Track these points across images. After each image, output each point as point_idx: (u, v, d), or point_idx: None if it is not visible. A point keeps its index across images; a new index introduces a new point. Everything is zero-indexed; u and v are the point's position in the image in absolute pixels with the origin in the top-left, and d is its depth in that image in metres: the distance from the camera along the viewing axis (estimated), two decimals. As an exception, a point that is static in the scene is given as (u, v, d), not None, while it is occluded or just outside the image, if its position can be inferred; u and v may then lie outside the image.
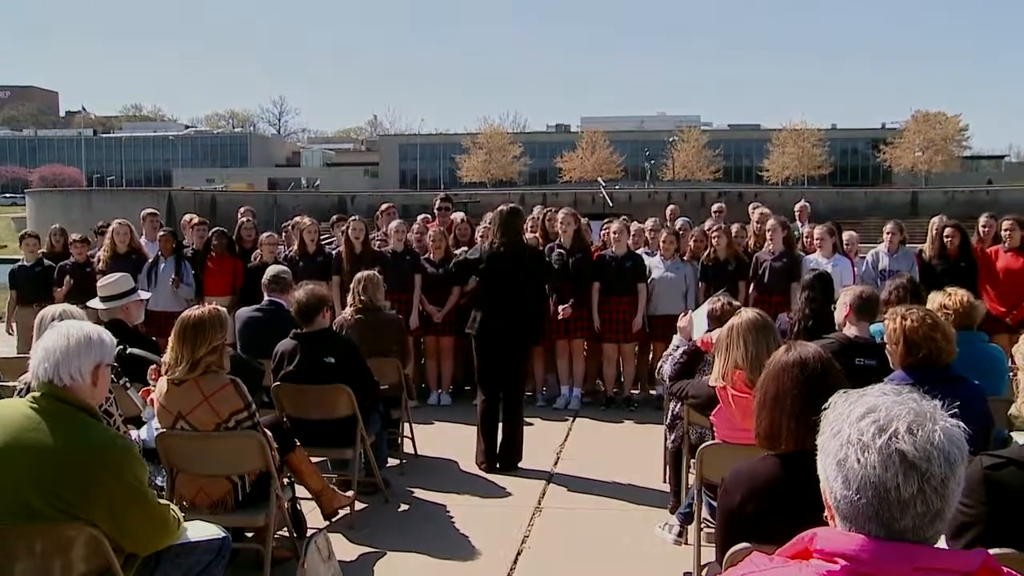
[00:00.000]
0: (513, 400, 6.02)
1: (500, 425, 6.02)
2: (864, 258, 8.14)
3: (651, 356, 7.94)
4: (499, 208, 6.22)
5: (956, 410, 1.39)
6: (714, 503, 3.36)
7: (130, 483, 2.64)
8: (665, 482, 5.31)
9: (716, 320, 4.47)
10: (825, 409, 1.45)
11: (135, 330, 5.05)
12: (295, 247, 8.35)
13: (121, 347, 3.81)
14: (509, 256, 5.91)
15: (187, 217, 9.38)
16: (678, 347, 4.72)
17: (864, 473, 1.33)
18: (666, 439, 5.18)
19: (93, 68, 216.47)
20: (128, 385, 4.11)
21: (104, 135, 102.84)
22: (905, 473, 1.31)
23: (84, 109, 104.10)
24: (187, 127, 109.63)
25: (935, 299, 4.29)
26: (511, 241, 5.94)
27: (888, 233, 7.96)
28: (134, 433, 3.96)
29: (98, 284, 5.38)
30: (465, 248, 7.72)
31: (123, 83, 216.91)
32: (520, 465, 5.97)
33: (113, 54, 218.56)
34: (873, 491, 1.32)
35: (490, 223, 7.51)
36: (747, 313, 3.70)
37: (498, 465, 5.91)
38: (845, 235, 8.27)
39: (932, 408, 1.37)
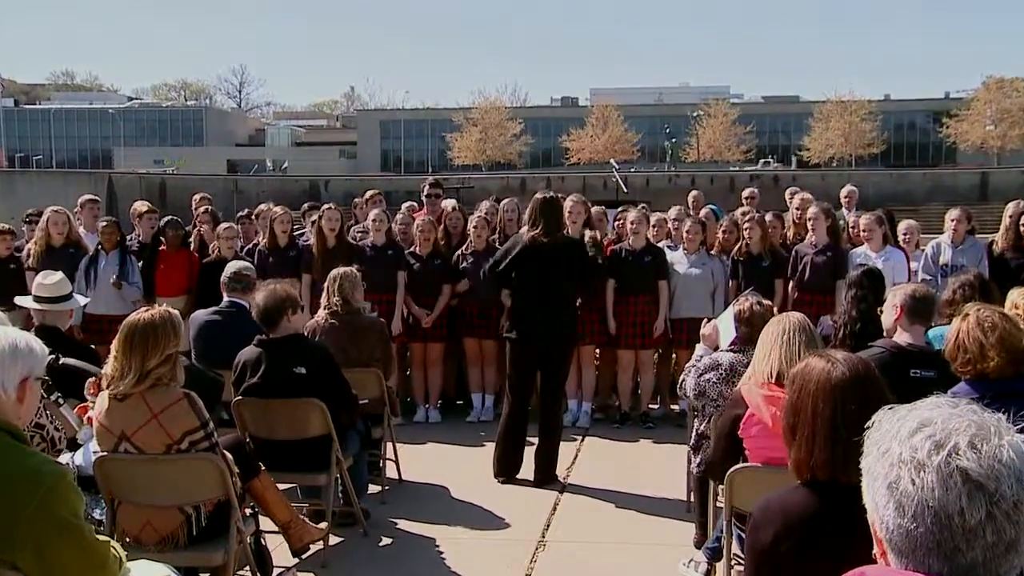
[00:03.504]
0: (553, 408, 6.36)
1: (524, 436, 6.29)
2: (924, 251, 8.11)
3: (673, 365, 7.94)
4: (535, 196, 6.41)
5: None
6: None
7: (62, 516, 2.63)
8: (689, 512, 5.33)
9: (745, 323, 4.45)
10: (869, 428, 1.44)
11: (70, 337, 5.06)
12: (264, 239, 8.36)
13: (53, 357, 3.81)
14: (550, 250, 6.08)
15: (136, 205, 9.36)
16: (702, 357, 4.72)
17: (920, 497, 1.32)
18: (690, 462, 5.19)
19: (14, 28, 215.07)
20: (62, 401, 4.10)
21: (28, 106, 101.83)
22: (970, 495, 1.30)
23: (1, 76, 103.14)
24: (130, 99, 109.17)
25: (1011, 298, 4.27)
26: (552, 233, 6.11)
27: (952, 221, 7.90)
28: (66, 457, 3.95)
29: (35, 281, 5.39)
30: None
31: (51, 46, 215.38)
32: (521, 491, 6.03)
33: (39, 12, 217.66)
34: (933, 517, 1.31)
35: (526, 213, 7.50)
36: (796, 315, 3.68)
37: (536, 478, 6.17)
38: (902, 225, 8.25)
39: (996, 421, 1.36)
